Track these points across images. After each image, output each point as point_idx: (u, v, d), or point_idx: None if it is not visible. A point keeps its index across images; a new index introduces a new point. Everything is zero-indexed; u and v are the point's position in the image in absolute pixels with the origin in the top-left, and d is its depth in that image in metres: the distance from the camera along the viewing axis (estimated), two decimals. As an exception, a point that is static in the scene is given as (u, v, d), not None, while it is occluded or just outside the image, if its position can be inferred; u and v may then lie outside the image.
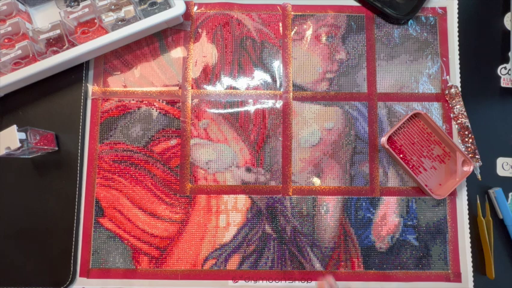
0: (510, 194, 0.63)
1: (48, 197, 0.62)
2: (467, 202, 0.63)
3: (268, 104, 0.65)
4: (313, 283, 0.61)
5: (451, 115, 0.65)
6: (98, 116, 0.64)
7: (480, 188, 0.64)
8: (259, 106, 0.65)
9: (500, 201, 0.62)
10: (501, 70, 0.66)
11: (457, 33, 0.67)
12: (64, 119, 0.64)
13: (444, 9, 0.68)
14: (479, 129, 0.64)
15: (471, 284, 0.61)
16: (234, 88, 0.66)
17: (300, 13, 0.67)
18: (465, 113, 0.64)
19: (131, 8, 0.61)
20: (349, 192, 0.63)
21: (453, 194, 0.63)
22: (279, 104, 0.65)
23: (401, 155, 0.63)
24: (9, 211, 0.62)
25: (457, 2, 0.68)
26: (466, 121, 0.64)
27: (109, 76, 0.65)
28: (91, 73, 0.65)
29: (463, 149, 0.64)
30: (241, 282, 0.61)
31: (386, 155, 0.64)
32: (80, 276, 0.61)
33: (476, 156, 0.63)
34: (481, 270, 0.62)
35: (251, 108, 0.65)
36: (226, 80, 0.66)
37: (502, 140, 0.65)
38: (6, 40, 0.61)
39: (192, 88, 0.65)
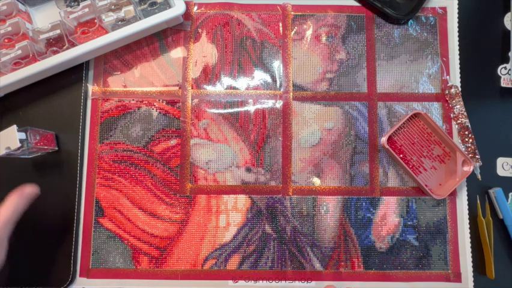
0: (510, 194, 0.63)
1: (49, 197, 0.62)
2: (467, 202, 0.63)
3: (268, 104, 0.65)
4: (313, 283, 0.61)
5: (451, 115, 0.65)
6: (98, 116, 0.64)
7: (480, 188, 0.64)
8: (259, 106, 0.65)
9: (500, 201, 0.62)
10: (501, 70, 0.66)
11: (457, 33, 0.67)
12: (64, 119, 0.64)
13: (444, 9, 0.68)
14: (479, 129, 0.64)
15: (471, 284, 0.61)
16: (234, 88, 0.66)
17: (300, 13, 0.67)
18: (465, 113, 0.64)
19: (131, 8, 0.61)
20: (349, 192, 0.63)
21: (453, 194, 0.63)
22: (279, 104, 0.65)
23: (401, 155, 0.63)
24: (9, 211, 0.62)
25: (457, 2, 0.68)
26: (466, 121, 0.64)
27: (109, 76, 0.65)
28: (91, 73, 0.65)
29: (463, 149, 0.64)
30: (241, 282, 0.61)
31: (386, 155, 0.64)
32: (80, 276, 0.61)
33: (476, 156, 0.63)
34: (481, 270, 0.62)
35: (251, 108, 0.65)
36: (226, 80, 0.66)
37: (502, 140, 0.65)
38: (6, 40, 0.61)
39: (192, 88, 0.65)
